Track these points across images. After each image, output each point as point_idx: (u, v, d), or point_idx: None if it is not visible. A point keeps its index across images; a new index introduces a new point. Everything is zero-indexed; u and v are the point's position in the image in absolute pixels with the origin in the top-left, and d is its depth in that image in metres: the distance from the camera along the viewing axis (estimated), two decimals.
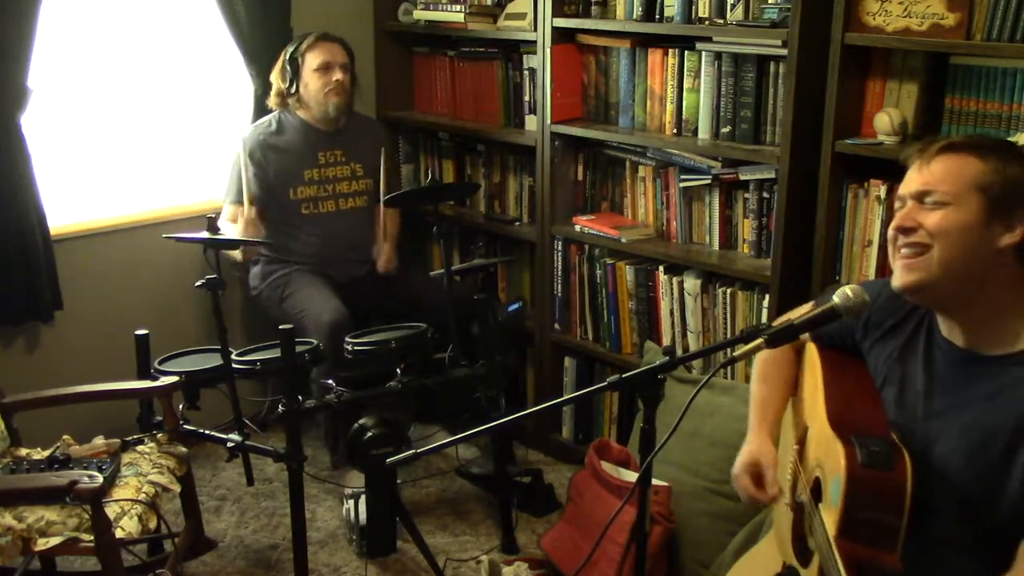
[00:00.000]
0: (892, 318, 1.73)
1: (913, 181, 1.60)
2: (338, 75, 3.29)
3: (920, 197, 1.57)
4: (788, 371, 1.94)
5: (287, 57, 3.31)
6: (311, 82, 3.30)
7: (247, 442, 2.69)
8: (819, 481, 1.65)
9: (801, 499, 1.75)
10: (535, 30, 3.22)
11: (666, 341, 3.10)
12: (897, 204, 1.64)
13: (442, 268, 2.88)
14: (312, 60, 3.27)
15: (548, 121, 3.24)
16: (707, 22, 2.82)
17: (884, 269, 2.54)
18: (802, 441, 1.79)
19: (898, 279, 1.60)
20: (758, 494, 1.79)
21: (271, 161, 3.33)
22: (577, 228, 3.26)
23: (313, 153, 3.37)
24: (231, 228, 3.21)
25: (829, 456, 1.60)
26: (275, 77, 3.34)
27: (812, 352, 1.86)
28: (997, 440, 1.50)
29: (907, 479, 1.50)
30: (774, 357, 1.94)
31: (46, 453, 2.48)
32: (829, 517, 1.55)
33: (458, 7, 3.51)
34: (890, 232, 1.62)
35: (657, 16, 2.95)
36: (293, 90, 3.32)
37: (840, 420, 1.64)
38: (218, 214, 3.21)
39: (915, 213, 1.57)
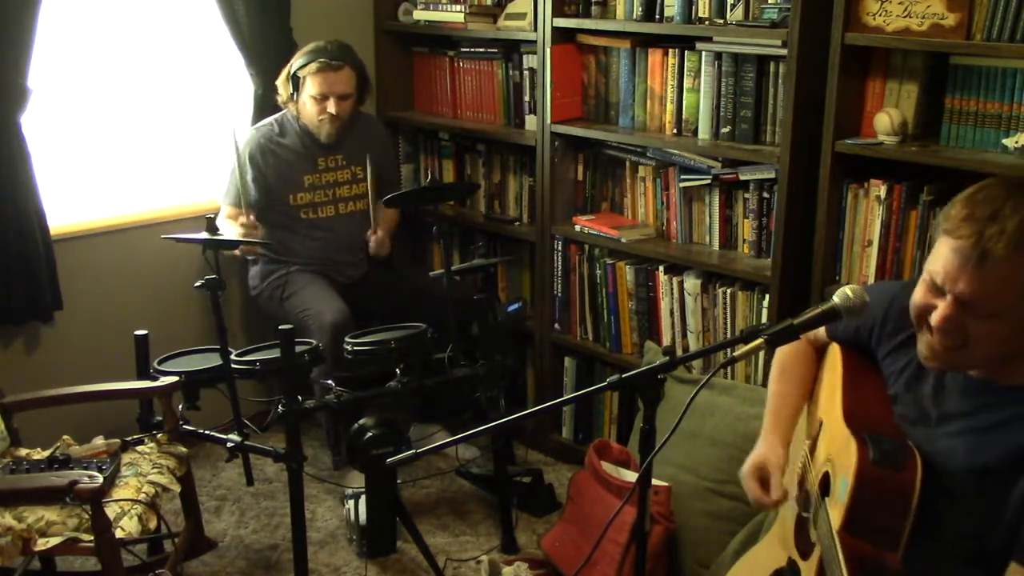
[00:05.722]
0: (905, 330, 1.70)
1: (959, 279, 1.44)
2: (332, 107, 3.25)
3: (967, 305, 1.45)
4: (808, 369, 1.93)
5: (291, 71, 3.28)
6: (308, 105, 3.28)
7: (247, 442, 2.69)
8: (828, 476, 1.65)
9: (807, 497, 1.75)
10: (535, 30, 3.22)
11: (666, 341, 3.10)
12: (927, 279, 1.51)
13: (442, 268, 2.88)
14: (310, 86, 3.24)
15: (548, 121, 3.24)
16: (707, 22, 2.82)
17: (884, 269, 2.54)
18: (815, 436, 1.79)
19: (928, 360, 1.55)
20: (762, 497, 1.79)
21: (270, 165, 3.33)
22: (577, 228, 3.26)
23: (313, 159, 3.37)
24: (229, 227, 3.20)
25: (841, 452, 1.60)
26: (280, 83, 3.33)
27: (835, 349, 1.86)
28: (1003, 466, 1.49)
29: (916, 480, 1.49)
30: (795, 353, 1.93)
31: (46, 453, 2.48)
32: (835, 511, 1.55)
33: (458, 7, 3.50)
34: (919, 307, 1.53)
35: (657, 16, 2.95)
36: (295, 98, 3.32)
37: (855, 418, 1.64)
38: (217, 214, 3.20)
39: (958, 314, 1.46)
